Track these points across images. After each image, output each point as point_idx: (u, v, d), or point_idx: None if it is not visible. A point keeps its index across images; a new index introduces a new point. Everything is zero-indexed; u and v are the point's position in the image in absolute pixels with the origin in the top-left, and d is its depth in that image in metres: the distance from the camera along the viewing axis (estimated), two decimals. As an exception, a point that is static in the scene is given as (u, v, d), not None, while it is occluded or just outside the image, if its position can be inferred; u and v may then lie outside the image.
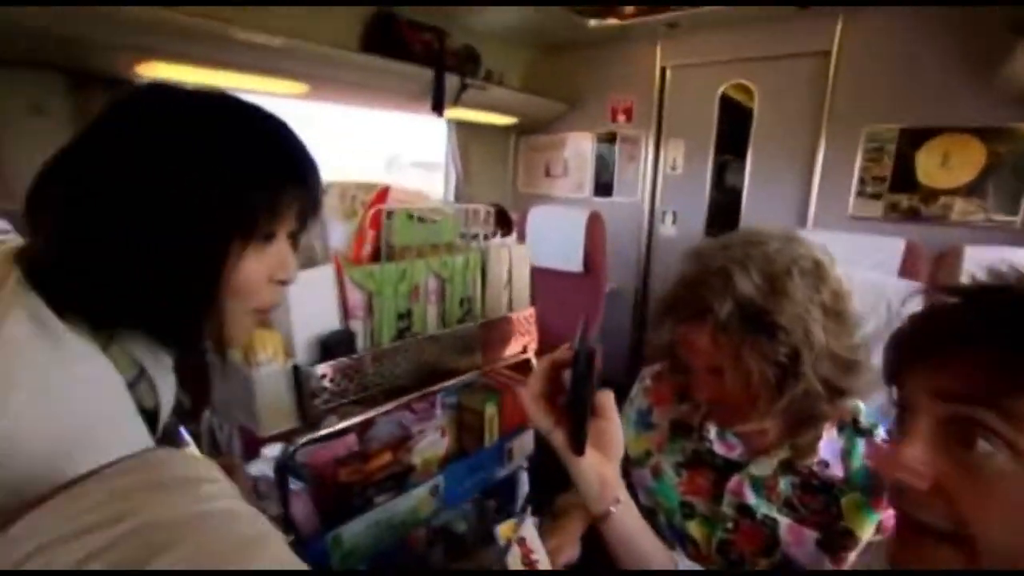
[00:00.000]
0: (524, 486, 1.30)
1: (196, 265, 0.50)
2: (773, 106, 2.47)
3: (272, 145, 0.54)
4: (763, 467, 0.77)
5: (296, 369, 0.77)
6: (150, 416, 0.55)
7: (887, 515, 0.70)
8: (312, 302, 0.78)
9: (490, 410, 1.06)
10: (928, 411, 0.41)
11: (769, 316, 0.66)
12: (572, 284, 2.33)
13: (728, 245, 0.72)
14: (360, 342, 0.82)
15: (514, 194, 3.44)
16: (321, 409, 0.81)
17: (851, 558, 0.72)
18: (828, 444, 0.74)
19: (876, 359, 0.82)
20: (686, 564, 0.83)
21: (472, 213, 1.02)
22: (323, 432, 0.81)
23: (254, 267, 0.53)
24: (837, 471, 0.73)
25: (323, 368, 0.78)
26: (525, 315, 1.09)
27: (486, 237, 1.02)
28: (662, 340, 0.77)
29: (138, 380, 0.52)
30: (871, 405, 0.80)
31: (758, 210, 2.57)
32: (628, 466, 0.92)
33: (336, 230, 0.87)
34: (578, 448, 0.56)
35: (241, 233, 0.51)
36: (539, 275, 2.53)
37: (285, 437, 0.81)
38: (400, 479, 0.95)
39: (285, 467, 0.81)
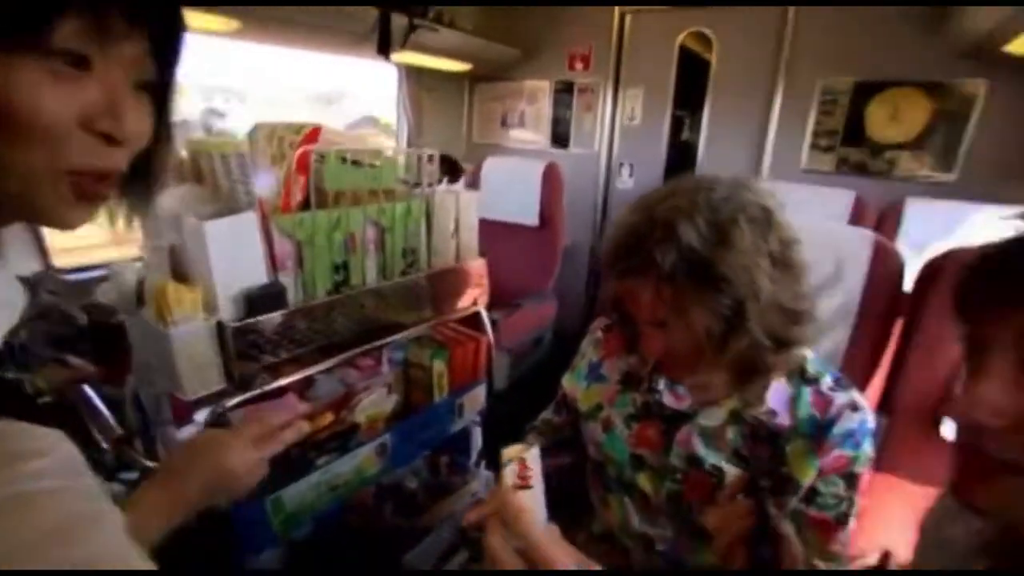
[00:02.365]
0: (478, 440, 1.29)
1: None
2: (731, 56, 2.42)
3: None
4: (712, 417, 0.76)
5: (220, 326, 0.71)
6: None
7: (826, 460, 0.71)
8: (235, 253, 0.71)
9: (438, 366, 1.02)
10: (1009, 351, 0.40)
11: (714, 267, 0.63)
12: (528, 238, 2.29)
13: (674, 193, 0.69)
14: (292, 296, 0.76)
15: (468, 145, 3.32)
16: (252, 368, 0.75)
17: (792, 503, 0.72)
18: (776, 393, 0.73)
19: (823, 307, 0.83)
20: (635, 515, 0.84)
21: (417, 160, 0.95)
22: (253, 393, 0.76)
23: (51, 100, 0.35)
24: (784, 420, 0.73)
25: (250, 324, 0.72)
26: (475, 266, 1.05)
27: (430, 185, 0.96)
28: (608, 293, 0.74)
29: None
30: (818, 353, 0.80)
31: (714, 163, 2.56)
32: (579, 421, 0.91)
33: (263, 176, 0.79)
34: None
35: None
36: (494, 228, 2.48)
37: (217, 400, 0.76)
38: (343, 439, 0.91)
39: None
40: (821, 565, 0.72)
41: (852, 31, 2.16)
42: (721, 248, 0.63)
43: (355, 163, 0.81)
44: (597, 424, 0.86)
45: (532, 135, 3.08)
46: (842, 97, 2.26)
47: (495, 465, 1.31)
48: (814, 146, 2.33)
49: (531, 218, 2.29)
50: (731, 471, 0.74)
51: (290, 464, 0.85)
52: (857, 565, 0.80)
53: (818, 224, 0.95)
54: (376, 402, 0.95)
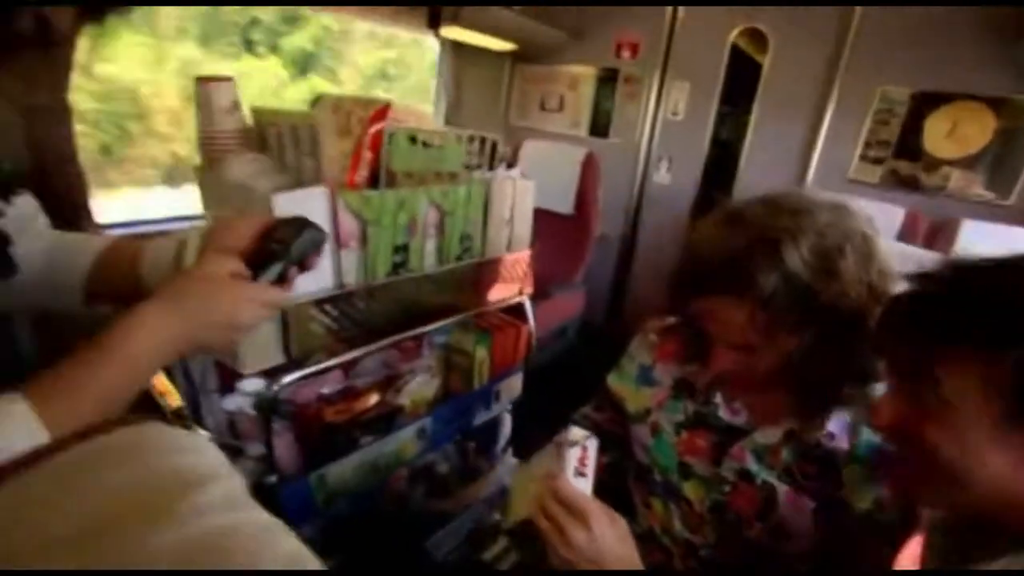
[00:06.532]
0: (507, 427, 1.29)
1: None
2: (786, 56, 2.34)
3: None
4: (768, 436, 0.74)
5: (283, 301, 0.70)
6: None
7: (887, 493, 0.69)
8: (302, 228, 0.70)
9: (480, 353, 1.01)
10: (898, 378, 0.53)
11: (816, 297, 0.60)
12: (561, 226, 2.26)
13: (774, 211, 0.64)
14: (352, 276, 0.75)
15: (505, 127, 3.28)
16: (312, 345, 0.75)
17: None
18: (836, 417, 0.71)
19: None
20: (677, 520, 0.83)
21: (470, 142, 0.92)
22: (310, 370, 0.75)
23: None
24: (843, 443, 0.70)
25: (313, 301, 0.71)
26: (522, 256, 1.03)
27: (480, 167, 0.94)
28: (683, 305, 0.70)
29: None
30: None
31: (757, 164, 2.49)
32: (627, 421, 0.90)
33: (328, 149, 0.78)
34: None
35: None
36: (529, 215, 2.42)
37: (266, 372, 0.75)
38: (388, 420, 0.91)
39: (269, 405, 0.75)
40: None
41: (917, 40, 2.07)
42: (826, 277, 0.60)
43: (424, 144, 0.79)
44: (646, 427, 0.85)
45: (570, 121, 3.02)
46: (899, 107, 2.18)
47: (521, 453, 1.31)
48: (864, 157, 2.25)
49: (566, 206, 2.25)
50: (782, 488, 0.72)
51: (335, 442, 0.85)
52: None
53: (898, 247, 0.91)
54: (421, 385, 0.94)
